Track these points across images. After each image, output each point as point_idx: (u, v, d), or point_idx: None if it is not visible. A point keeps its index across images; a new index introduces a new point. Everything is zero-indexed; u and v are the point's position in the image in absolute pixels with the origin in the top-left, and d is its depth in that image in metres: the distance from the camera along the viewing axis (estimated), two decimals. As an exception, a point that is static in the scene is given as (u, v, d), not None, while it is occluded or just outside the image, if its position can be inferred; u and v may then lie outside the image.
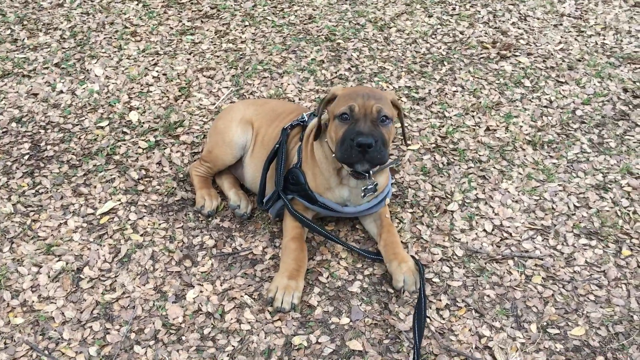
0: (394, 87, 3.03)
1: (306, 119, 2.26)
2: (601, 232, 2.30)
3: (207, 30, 3.50)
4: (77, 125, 2.83)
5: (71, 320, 2.01)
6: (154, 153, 2.66)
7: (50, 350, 1.93)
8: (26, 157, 2.65)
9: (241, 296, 2.08)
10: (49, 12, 3.66)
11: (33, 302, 2.07)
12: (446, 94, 3.00)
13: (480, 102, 2.92)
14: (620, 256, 2.21)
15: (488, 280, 2.13)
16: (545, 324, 1.99)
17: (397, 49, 3.32)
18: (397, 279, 2.06)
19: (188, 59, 3.25)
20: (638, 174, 2.55)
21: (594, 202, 2.43)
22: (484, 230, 2.31)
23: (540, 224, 2.34)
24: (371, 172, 2.05)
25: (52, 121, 2.85)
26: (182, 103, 2.95)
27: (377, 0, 3.80)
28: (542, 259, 2.20)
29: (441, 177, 2.54)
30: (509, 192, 2.47)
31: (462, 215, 2.37)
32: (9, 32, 3.48)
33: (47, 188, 2.50)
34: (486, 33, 3.43)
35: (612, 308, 2.03)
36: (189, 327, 1.99)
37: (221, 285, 2.12)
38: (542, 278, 2.14)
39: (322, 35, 3.44)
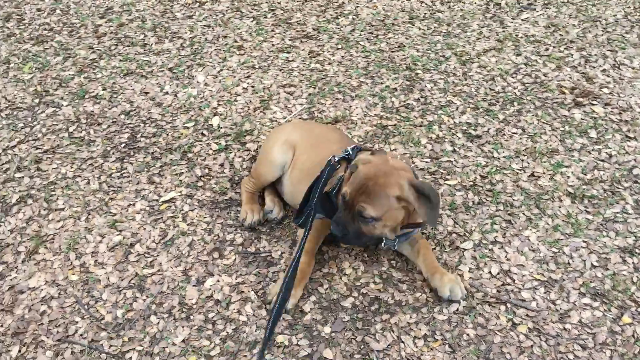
0: (454, 122, 3.14)
1: (350, 153, 2.40)
2: (608, 295, 2.27)
3: (302, 50, 3.85)
4: (170, 123, 3.31)
5: (112, 285, 2.46)
6: (220, 155, 3.05)
7: (89, 306, 2.38)
8: (122, 145, 3.18)
9: (248, 291, 2.39)
10: (179, 22, 4.23)
11: (89, 265, 2.54)
12: (504, 134, 3.05)
13: (535, 147, 2.94)
14: (619, 322, 2.18)
15: (473, 320, 2.22)
16: (512, 372, 2.05)
17: (472, 85, 3.41)
18: (443, 290, 2.24)
19: (277, 75, 3.62)
20: (675, 242, 2.45)
21: (614, 264, 2.39)
22: (490, 272, 2.39)
23: (548, 276, 2.36)
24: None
25: (152, 117, 3.37)
26: (258, 114, 3.32)
27: (471, 35, 3.88)
28: (535, 311, 2.23)
29: (467, 215, 2.63)
30: (529, 240, 2.51)
31: (473, 254, 2.46)
32: (142, 36, 4.09)
33: (130, 173, 2.99)
34: (570, 77, 3.39)
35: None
36: (198, 309, 2.34)
37: (236, 279, 2.45)
38: (528, 328, 2.18)
39: (405, 64, 3.62)
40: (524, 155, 2.91)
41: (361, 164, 2.17)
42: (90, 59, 3.88)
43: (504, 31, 3.89)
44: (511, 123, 3.12)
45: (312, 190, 2.36)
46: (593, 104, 3.19)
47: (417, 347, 2.14)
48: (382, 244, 2.31)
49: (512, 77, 3.45)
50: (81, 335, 2.27)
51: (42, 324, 2.32)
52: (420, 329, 2.20)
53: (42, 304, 2.39)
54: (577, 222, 2.56)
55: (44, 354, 2.21)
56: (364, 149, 2.42)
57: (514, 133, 3.05)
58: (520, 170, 2.83)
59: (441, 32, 3.94)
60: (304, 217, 2.35)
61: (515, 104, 3.25)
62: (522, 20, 3.99)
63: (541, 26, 3.90)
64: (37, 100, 3.53)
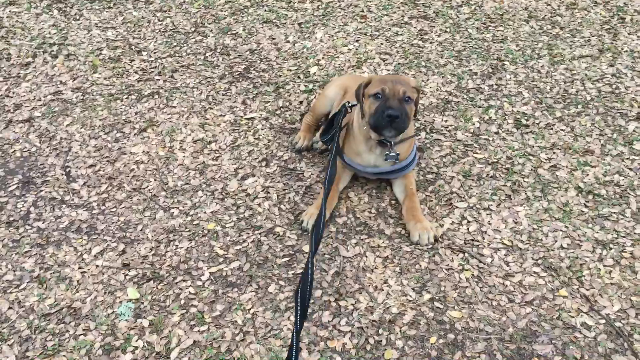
0: (512, 110, 3.43)
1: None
2: (559, 271, 2.53)
3: (414, 27, 4.31)
4: (279, 64, 4.03)
5: (184, 165, 3.25)
6: (303, 95, 3.70)
7: (162, 174, 3.20)
8: (237, 73, 3.97)
9: (273, 193, 3.02)
10: (326, -13, 4.91)
11: (175, 148, 3.37)
12: (552, 129, 3.29)
13: (572, 145, 3.15)
14: (555, 292, 2.44)
15: (431, 257, 2.63)
16: (438, 297, 2.44)
17: (548, 83, 3.64)
18: (413, 234, 2.69)
19: (381, 44, 4.15)
20: (652, 250, 2.59)
21: (583, 250, 2.61)
22: (467, 229, 2.76)
23: (516, 244, 2.67)
24: (392, 142, 2.73)
25: (268, 57, 4.12)
26: (349, 70, 3.90)
27: (578, 41, 4.03)
28: (486, 265, 2.58)
29: (475, 183, 2.99)
30: (517, 214, 2.80)
31: (462, 213, 2.83)
32: (291, -5, 4.85)
33: (232, 94, 3.77)
34: (650, 94, 3.46)
35: (501, 319, 2.35)
36: (233, 195, 3.03)
37: (269, 183, 3.10)
38: (472, 274, 2.54)
39: (497, 54, 3.93)
40: (558, 149, 3.13)
41: (375, 77, 2.77)
42: (244, 6, 4.73)
43: (612, 43, 3.97)
44: (564, 121, 3.33)
45: (336, 116, 2.93)
46: (656, 121, 3.25)
47: (374, 263, 2.62)
48: (389, 153, 2.76)
49: (592, 84, 3.60)
50: (149, 189, 3.09)
51: (128, 176, 3.18)
52: (385, 251, 2.66)
53: (134, 165, 3.26)
54: (570, 211, 2.78)
55: (120, 195, 3.06)
56: None
57: (561, 130, 3.27)
58: (546, 159, 3.07)
59: (551, 33, 4.13)
60: (329, 136, 2.92)
61: (580, 106, 3.42)
62: (637, 37, 4.02)
63: (652, 44, 3.91)
64: (193, 29, 4.46)
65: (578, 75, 3.67)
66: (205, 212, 2.93)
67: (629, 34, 4.07)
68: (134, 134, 3.45)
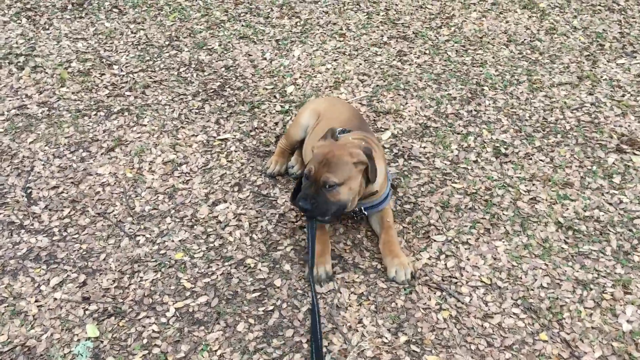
0: (491, 137, 3.37)
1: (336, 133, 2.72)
2: (539, 313, 2.45)
3: (393, 48, 4.24)
4: (255, 82, 3.92)
5: (153, 188, 3.11)
6: (279, 116, 3.59)
7: (129, 198, 3.05)
8: (211, 90, 3.85)
9: (245, 221, 2.90)
10: (305, 4, 4.82)
11: (144, 170, 3.22)
12: (531, 159, 3.23)
13: (552, 177, 3.09)
14: (535, 336, 2.36)
15: (407, 294, 2.53)
16: (415, 340, 2.34)
17: (527, 110, 3.58)
18: (390, 270, 2.58)
19: (359, 64, 4.06)
20: (631, 291, 2.53)
21: (563, 290, 2.54)
22: (445, 264, 2.67)
23: (495, 282, 2.58)
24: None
25: (244, 75, 4.00)
26: (327, 90, 3.80)
27: (557, 67, 3.99)
28: (464, 304, 2.49)
29: (453, 215, 2.90)
30: (496, 249, 2.73)
31: (440, 247, 2.74)
32: (269, 10, 4.75)
33: (205, 113, 3.64)
34: (629, 126, 3.42)
35: None
36: (203, 222, 2.91)
37: (241, 209, 2.97)
38: (450, 315, 2.45)
39: (476, 79, 3.87)
40: (538, 180, 3.07)
41: (316, 148, 2.54)
42: (220, 20, 4.61)
43: (590, 70, 3.94)
44: (543, 151, 3.27)
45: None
46: (635, 154, 3.22)
47: (349, 299, 2.51)
48: (352, 213, 2.68)
49: (571, 113, 3.55)
50: (114, 215, 2.95)
51: (93, 199, 3.03)
52: (360, 288, 2.56)
53: (99, 187, 3.11)
54: (550, 247, 2.72)
55: (84, 220, 2.91)
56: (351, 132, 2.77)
57: (540, 160, 3.21)
58: (525, 192, 3.01)
59: (530, 59, 4.09)
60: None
61: (559, 136, 3.37)
62: (616, 64, 4.00)
63: (632, 74, 3.89)
64: (167, 43, 4.32)
65: (557, 104, 3.63)
66: (173, 241, 2.80)
67: (607, 61, 4.05)
68: (101, 154, 3.31)
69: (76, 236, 2.83)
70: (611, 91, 3.73)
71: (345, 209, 2.57)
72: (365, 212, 2.71)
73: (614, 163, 3.17)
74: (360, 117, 3.03)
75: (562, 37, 4.33)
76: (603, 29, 4.42)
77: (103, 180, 3.15)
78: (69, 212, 2.94)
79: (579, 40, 4.30)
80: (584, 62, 4.05)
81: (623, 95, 3.69)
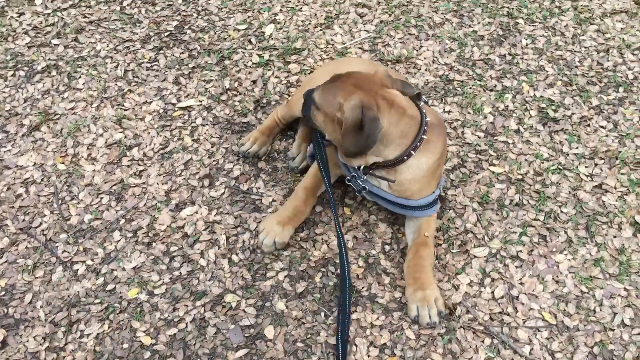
0: (534, 95, 2.58)
1: None
2: (624, 368, 1.81)
3: (397, -35, 3.30)
4: (223, 20, 3.01)
5: (94, 186, 2.32)
6: (257, 70, 2.73)
7: (62, 202, 2.26)
8: (166, 34, 2.94)
9: (220, 234, 2.16)
10: None
11: (81, 157, 2.41)
12: (589, 125, 2.48)
13: (619, 152, 2.36)
14: (621, 407, 1.74)
15: (446, 344, 1.87)
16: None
17: (577, 52, 2.78)
18: (410, 307, 1.92)
19: (357, -10, 3.15)
20: None
21: (651, 330, 1.89)
22: (492, 293, 1.99)
23: (560, 319, 1.92)
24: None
25: (208, 9, 3.07)
26: (316, 32, 2.92)
27: (606, -12, 3.14)
28: (524, 358, 1.83)
29: (496, 214, 2.19)
30: (557, 267, 2.04)
31: (483, 265, 2.05)
32: None
33: (159, 67, 2.77)
34: None
35: None
36: (164, 237, 2.15)
37: (215, 215, 2.22)
38: (506, 377, 1.80)
39: (508, 7, 3.01)
40: (601, 158, 2.34)
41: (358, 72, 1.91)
42: None
43: (649, -8, 3.10)
44: (604, 113, 2.52)
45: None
46: None
47: (369, 356, 1.84)
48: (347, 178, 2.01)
49: (633, 55, 2.77)
50: (43, 230, 2.17)
51: (13, 207, 2.24)
52: (381, 336, 1.89)
53: (21, 186, 2.31)
54: (628, 262, 2.04)
55: (1, 240, 2.14)
56: None
57: (601, 127, 2.46)
58: (587, 176, 2.29)
59: (571, -23, 3.21)
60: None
61: (621, 89, 2.61)
62: (679, -18, 3.15)
63: (701, -4, 3.06)
64: (105, -36, 3.32)
65: (612, 41, 2.83)
66: (124, 269, 2.06)
67: (667, -22, 3.19)
68: (22, 135, 2.47)
69: (-9, 267, 2.07)
70: (678, 22, 2.92)
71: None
72: (367, 196, 2.02)
73: (697, 130, 2.43)
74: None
75: (607, -54, 3.42)
76: None
77: (26, 175, 2.34)
78: (-20, 230, 2.16)
79: (629, -51, 3.40)
80: (638, -19, 3.18)
81: (694, 28, 2.88)
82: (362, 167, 1.90)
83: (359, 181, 1.93)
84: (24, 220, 2.21)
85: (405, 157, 1.84)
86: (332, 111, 1.83)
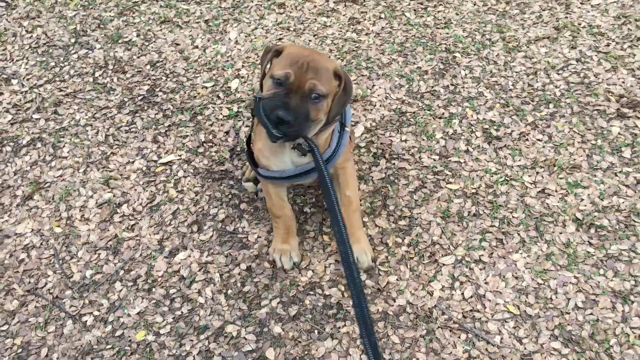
0: (477, 118, 2.90)
1: None
2: (582, 344, 2.08)
3: (343, 15, 3.65)
4: (190, 80, 3.27)
5: (90, 243, 2.51)
6: (228, 122, 2.99)
7: (63, 262, 2.45)
8: (140, 98, 3.18)
9: (214, 272, 2.37)
10: (229, -31, 4.10)
11: (75, 219, 2.61)
12: (527, 140, 2.80)
13: (556, 160, 2.68)
14: (586, 378, 2.00)
15: (427, 344, 2.11)
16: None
17: (510, 77, 3.13)
18: None
19: (309, 40, 3.47)
20: (679, 297, 2.19)
21: (601, 309, 2.17)
22: (462, 294, 2.25)
23: (523, 309, 2.19)
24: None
25: (175, 72, 3.34)
26: (277, 82, 3.20)
27: (529, 17, 3.53)
28: (496, 347, 2.09)
29: (457, 226, 2.47)
30: (515, 265, 2.32)
31: (451, 271, 2.31)
32: (189, -18, 4.01)
33: (137, 129, 3.00)
34: (623, 82, 3.02)
35: None
36: (162, 282, 2.36)
37: (207, 257, 2.43)
38: (483, 365, 2.05)
39: (445, 44, 3.37)
40: (541, 167, 2.66)
41: (287, 49, 1.98)
42: (133, 2, 3.86)
43: (566, 17, 3.50)
44: (539, 128, 2.85)
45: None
46: (639, 118, 2.84)
47: (361, 362, 2.06)
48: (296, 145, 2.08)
49: (557, 74, 3.13)
50: (49, 289, 2.35)
51: (17, 272, 2.41)
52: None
53: (23, 252, 2.49)
54: (575, 253, 2.33)
55: (11, 302, 2.30)
56: None
57: (538, 140, 2.79)
58: (531, 184, 2.59)
59: (497, 10, 3.60)
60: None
61: (551, 105, 2.95)
62: (591, 6, 3.57)
63: (610, 16, 3.47)
64: (73, 40, 3.58)
65: (539, 64, 3.20)
66: (129, 315, 2.25)
67: (581, 3, 3.62)
68: (17, 205, 2.66)
69: (5, 328, 2.23)
70: (594, 41, 3.32)
71: (302, 134, 1.99)
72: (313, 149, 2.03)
73: (619, 133, 2.78)
74: None
75: (525, -20, 3.85)
76: (567, -35, 3.96)
77: (26, 241, 2.52)
78: (-10, 296, 2.33)
79: (545, -19, 3.83)
80: (556, 8, 3.60)
81: (608, 45, 3.28)
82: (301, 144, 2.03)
83: (302, 146, 2.05)
84: (29, 282, 2.39)
85: None
86: (332, 88, 1.95)
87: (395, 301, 2.24)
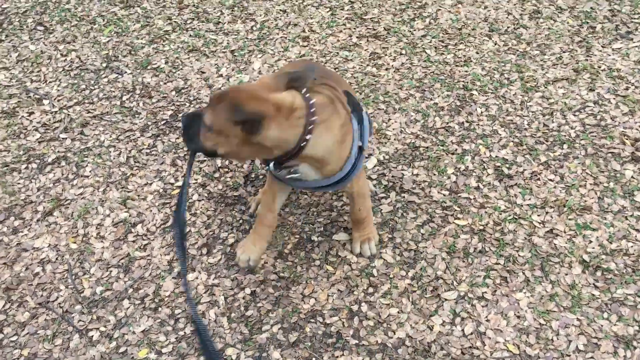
0: (489, 156, 2.93)
1: None
2: (581, 388, 2.06)
3: (365, 49, 3.74)
4: (212, 107, 3.38)
5: (104, 261, 2.60)
6: (244, 150, 3.07)
7: (76, 277, 2.53)
8: (162, 122, 3.30)
9: (219, 295, 2.42)
10: (259, 3, 4.25)
11: (91, 236, 2.70)
12: (539, 179, 2.81)
13: (566, 201, 2.68)
14: (581, 422, 1.98)
15: (424, 379, 2.11)
16: None
17: (525, 117, 3.15)
18: (355, 246, 2.52)
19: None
20: (684, 346, 2.15)
21: (603, 353, 2.15)
22: (462, 330, 2.25)
23: (523, 349, 2.18)
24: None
25: (199, 98, 3.45)
26: (295, 113, 3.29)
27: (549, 59, 3.56)
28: (493, 385, 2.08)
29: (462, 262, 2.48)
30: (518, 303, 2.32)
31: (453, 306, 2.32)
32: (219, 13, 4.16)
33: (157, 152, 3.11)
34: (639, 138, 3.01)
35: None
36: (168, 302, 2.42)
37: (213, 279, 2.49)
38: (478, 403, 2.04)
39: (463, 81, 3.41)
40: (551, 207, 2.66)
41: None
42: (164, 30, 4.02)
43: (586, 60, 3.52)
44: (551, 168, 2.85)
45: None
46: (654, 163, 2.83)
47: (355, 393, 2.08)
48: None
49: (574, 115, 3.14)
50: (59, 303, 2.43)
51: (31, 284, 2.50)
52: (364, 375, 2.12)
53: (38, 266, 2.58)
54: (579, 295, 2.32)
55: (23, 314, 2.39)
56: None
57: (550, 180, 2.79)
58: (539, 223, 2.60)
59: (517, 50, 3.65)
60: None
61: (565, 146, 2.96)
62: (612, 50, 3.59)
63: (631, 60, 3.48)
64: (104, 65, 3.73)
65: (556, 105, 3.21)
66: (134, 333, 2.31)
67: (602, 46, 3.63)
68: (37, 220, 2.76)
69: (14, 338, 2.31)
70: (613, 84, 3.32)
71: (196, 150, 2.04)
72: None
73: (632, 177, 2.77)
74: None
75: (548, 22, 3.89)
76: (591, 7, 3.99)
77: (42, 256, 2.62)
78: (3, 306, 2.42)
79: (567, 23, 3.87)
80: (577, 50, 3.62)
81: (627, 88, 3.28)
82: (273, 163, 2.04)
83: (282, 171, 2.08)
84: (42, 295, 2.47)
85: (302, 144, 1.93)
86: (227, 130, 1.87)
87: (395, 333, 2.25)
